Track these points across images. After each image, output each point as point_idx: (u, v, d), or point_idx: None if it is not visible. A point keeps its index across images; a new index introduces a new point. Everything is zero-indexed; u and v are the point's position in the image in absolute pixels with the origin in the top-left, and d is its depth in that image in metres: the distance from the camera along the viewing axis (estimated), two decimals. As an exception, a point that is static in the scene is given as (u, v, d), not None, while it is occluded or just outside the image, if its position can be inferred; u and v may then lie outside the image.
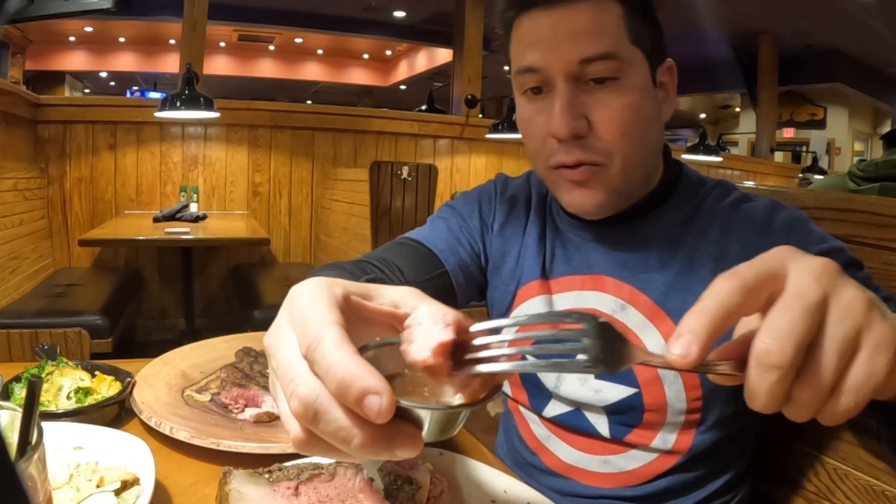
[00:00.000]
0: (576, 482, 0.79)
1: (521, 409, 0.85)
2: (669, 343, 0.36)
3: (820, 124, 9.42)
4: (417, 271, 0.81)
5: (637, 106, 0.69)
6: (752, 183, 4.73)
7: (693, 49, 7.92)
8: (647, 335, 0.73)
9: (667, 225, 0.76)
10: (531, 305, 0.80)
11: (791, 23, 7.01)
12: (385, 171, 2.82)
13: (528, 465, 0.83)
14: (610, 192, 0.72)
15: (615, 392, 0.74)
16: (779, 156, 8.83)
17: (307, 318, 0.36)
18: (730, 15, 6.67)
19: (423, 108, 4.86)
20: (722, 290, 0.37)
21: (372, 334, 0.41)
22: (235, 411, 0.76)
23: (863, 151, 9.67)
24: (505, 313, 0.85)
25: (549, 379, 0.79)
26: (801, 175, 6.13)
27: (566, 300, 0.78)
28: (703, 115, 11.86)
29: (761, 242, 0.67)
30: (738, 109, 10.76)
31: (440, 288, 0.83)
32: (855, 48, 7.82)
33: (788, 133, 9.65)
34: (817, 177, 5.87)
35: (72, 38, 10.17)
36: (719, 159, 5.40)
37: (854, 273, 0.65)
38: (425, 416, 0.34)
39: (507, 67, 0.80)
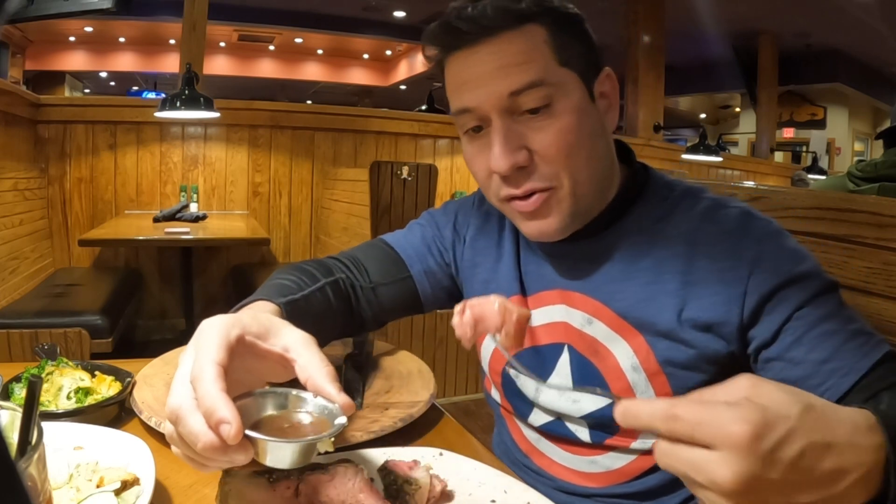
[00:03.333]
0: (567, 482, 0.79)
1: (511, 415, 0.86)
2: (615, 410, 0.43)
3: (820, 124, 9.42)
4: (383, 273, 0.86)
5: (575, 127, 0.68)
6: (752, 183, 4.73)
7: (693, 49, 7.92)
8: (615, 347, 0.73)
9: (631, 235, 0.74)
10: None
11: (791, 23, 7.02)
12: (385, 171, 2.82)
13: (523, 466, 0.84)
14: (565, 215, 0.70)
15: (591, 403, 0.75)
16: (779, 156, 8.83)
17: (200, 353, 0.48)
18: (730, 15, 6.67)
19: (423, 108, 4.86)
20: (658, 417, 0.41)
21: (265, 367, 0.53)
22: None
23: (863, 151, 9.67)
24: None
25: (529, 390, 0.80)
26: (797, 176, 5.81)
27: (541, 315, 0.79)
28: (703, 115, 11.86)
29: (730, 257, 0.67)
30: (738, 109, 10.77)
31: (404, 291, 0.87)
32: (855, 48, 7.83)
33: (788, 133, 9.65)
34: (814, 176, 5.86)
35: (72, 38, 10.17)
36: (719, 159, 5.40)
37: (827, 299, 0.65)
38: (262, 443, 0.46)
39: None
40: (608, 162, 0.74)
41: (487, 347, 0.85)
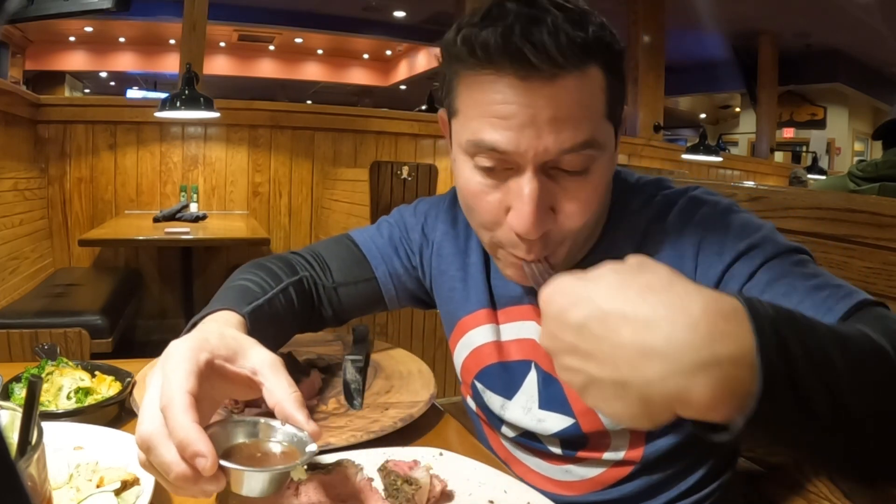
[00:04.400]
0: (543, 491, 0.78)
1: (486, 424, 0.86)
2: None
3: (820, 124, 9.42)
4: (346, 273, 0.84)
5: (604, 185, 0.64)
6: (752, 183, 4.73)
7: (693, 49, 7.92)
8: None
9: (603, 260, 0.70)
10: (479, 334, 0.79)
11: (791, 23, 7.02)
12: (385, 171, 2.82)
13: None
14: (553, 264, 0.65)
15: (555, 422, 0.74)
16: (779, 156, 8.83)
17: (168, 380, 0.47)
18: (730, 15, 6.67)
19: (423, 108, 4.86)
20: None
21: (229, 387, 0.52)
22: (235, 412, 0.75)
23: (863, 151, 9.66)
24: (450, 336, 0.85)
25: (495, 406, 0.79)
26: (794, 175, 5.69)
27: (511, 331, 0.77)
28: (703, 115, 11.86)
29: (675, 251, 0.65)
30: (738, 109, 10.76)
31: (367, 292, 0.85)
32: (855, 48, 7.82)
33: (788, 133, 9.65)
34: (814, 176, 5.85)
35: (72, 38, 10.17)
36: (719, 159, 5.40)
37: (782, 260, 0.60)
38: (236, 473, 0.46)
39: (442, 113, 0.70)
40: (608, 202, 0.70)
41: (459, 355, 0.83)
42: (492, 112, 0.59)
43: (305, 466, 0.48)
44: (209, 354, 0.50)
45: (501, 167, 0.61)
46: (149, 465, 0.47)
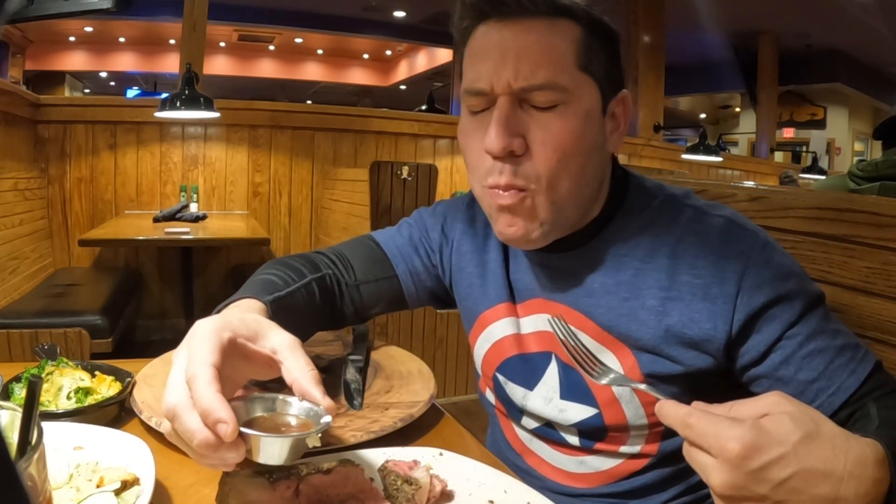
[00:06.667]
0: (555, 482, 0.80)
1: (504, 416, 0.86)
2: (657, 407, 0.50)
3: (820, 124, 9.42)
4: (368, 272, 0.87)
5: (578, 133, 0.66)
6: (752, 183, 4.73)
7: (693, 49, 7.91)
8: (603, 358, 0.71)
9: (610, 248, 0.72)
10: (499, 327, 0.81)
11: (791, 23, 7.01)
12: (385, 171, 2.82)
13: (513, 464, 0.84)
14: (537, 223, 0.68)
15: (577, 412, 0.75)
16: (779, 156, 8.83)
17: (193, 354, 0.50)
18: (730, 15, 6.66)
19: (423, 108, 4.86)
20: (677, 423, 0.48)
21: (251, 366, 0.55)
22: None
23: (863, 151, 9.66)
24: (470, 331, 0.87)
25: (517, 397, 0.80)
26: (784, 175, 5.53)
27: (529, 323, 0.79)
28: (703, 115, 11.86)
29: (716, 273, 0.66)
30: (738, 109, 10.76)
31: (387, 290, 0.88)
32: (855, 48, 7.82)
33: (788, 133, 9.65)
34: (814, 176, 5.85)
35: (72, 38, 10.16)
36: (719, 159, 5.40)
37: (814, 314, 0.65)
38: (255, 439, 0.48)
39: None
40: (597, 181, 0.72)
41: (480, 349, 0.84)
42: (476, 57, 0.68)
43: (320, 435, 0.50)
44: (232, 333, 0.53)
45: (485, 107, 0.68)
46: (174, 434, 0.50)
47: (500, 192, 0.67)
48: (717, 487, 0.45)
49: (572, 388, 0.75)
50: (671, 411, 0.48)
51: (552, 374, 0.77)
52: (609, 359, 0.72)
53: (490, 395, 0.87)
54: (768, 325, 0.65)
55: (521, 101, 0.66)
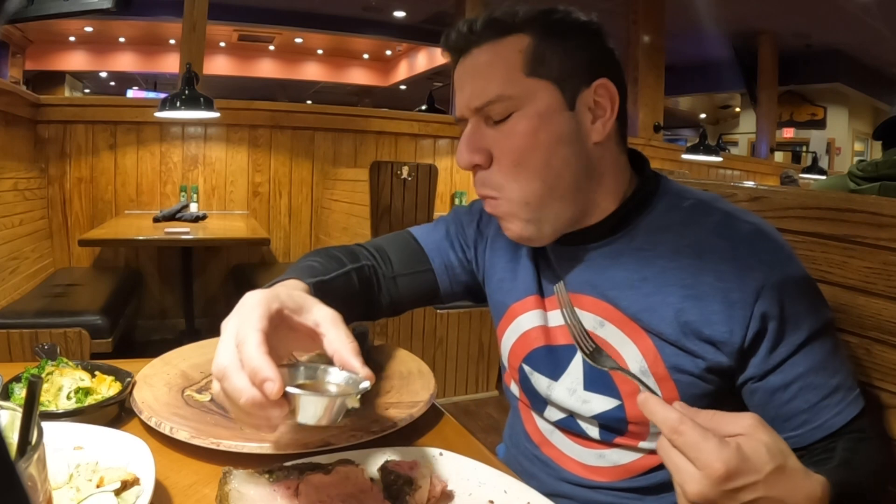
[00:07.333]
0: (573, 474, 0.81)
1: (527, 408, 0.88)
2: (640, 398, 0.54)
3: (820, 124, 9.42)
4: (405, 264, 0.91)
5: (532, 133, 0.70)
6: (752, 183, 4.72)
7: (693, 49, 7.92)
8: (625, 350, 0.73)
9: (637, 243, 0.75)
10: (527, 319, 0.83)
11: (791, 23, 7.01)
12: (385, 171, 2.82)
13: (531, 455, 0.86)
14: (521, 222, 0.73)
15: (600, 403, 0.76)
16: (779, 156, 8.83)
17: (243, 320, 0.54)
18: (730, 15, 6.67)
19: (423, 108, 4.86)
20: (667, 426, 0.51)
21: (295, 337, 0.60)
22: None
23: (863, 151, 9.66)
24: (498, 324, 0.89)
25: (541, 388, 0.82)
26: (785, 175, 5.49)
27: (556, 317, 0.81)
28: (703, 115, 11.86)
29: (737, 279, 0.67)
30: (738, 109, 10.76)
31: (423, 283, 0.93)
32: (855, 48, 7.83)
33: (788, 133, 9.65)
34: (814, 176, 5.85)
35: (72, 38, 10.17)
36: (719, 159, 5.40)
37: (822, 342, 0.67)
38: (298, 399, 0.51)
39: None
40: (580, 169, 0.73)
41: (508, 341, 0.86)
42: (454, 88, 0.76)
43: (359, 397, 0.53)
44: (279, 304, 0.58)
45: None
46: (222, 394, 0.53)
47: (484, 201, 0.75)
48: (691, 494, 0.50)
49: (596, 380, 0.76)
50: (660, 411, 0.52)
51: (577, 365, 0.78)
52: (631, 351, 0.73)
53: (515, 388, 0.89)
54: (776, 343, 0.67)
55: (486, 118, 0.72)
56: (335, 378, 0.57)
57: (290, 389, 0.50)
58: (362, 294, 0.86)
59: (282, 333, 0.58)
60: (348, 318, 0.84)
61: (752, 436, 0.51)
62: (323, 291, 0.73)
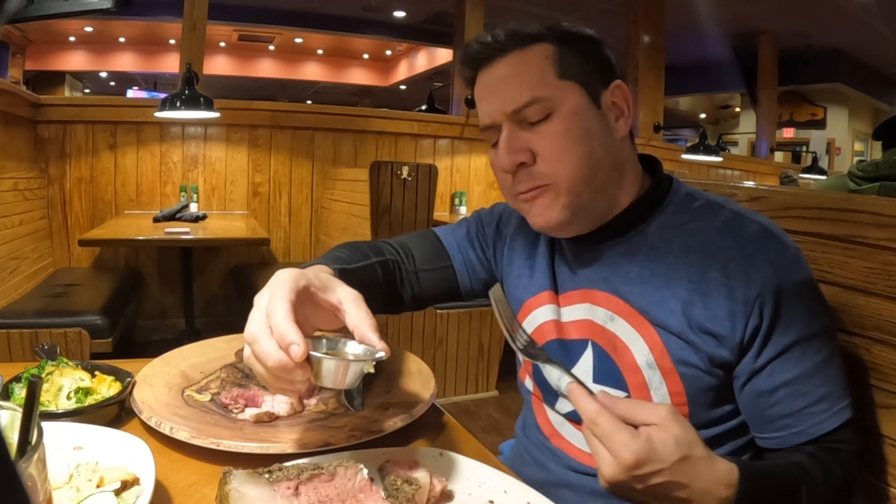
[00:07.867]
0: (581, 463, 0.82)
1: (539, 401, 0.90)
2: (568, 389, 0.63)
3: (820, 124, 9.41)
4: (427, 261, 0.96)
5: (570, 130, 0.75)
6: (752, 183, 4.71)
7: (693, 49, 7.92)
8: (633, 343, 0.76)
9: (649, 242, 0.78)
10: (541, 313, 0.86)
11: (791, 23, 7.01)
12: (385, 171, 2.81)
13: (541, 444, 0.88)
14: (561, 206, 0.76)
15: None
16: (779, 156, 8.82)
17: (274, 293, 0.60)
18: (730, 15, 6.66)
19: (423, 108, 4.86)
20: (587, 416, 0.60)
21: (319, 314, 0.65)
22: (235, 411, 0.76)
23: (863, 151, 9.66)
24: (515, 316, 0.91)
25: (552, 379, 0.84)
26: (784, 175, 5.44)
27: (569, 312, 0.84)
28: (703, 115, 11.86)
29: (742, 276, 0.70)
30: (738, 109, 10.76)
31: (444, 279, 0.97)
32: (855, 48, 7.82)
33: (788, 133, 9.64)
34: (814, 176, 5.84)
35: (72, 38, 10.16)
36: (719, 159, 5.40)
37: (817, 346, 0.69)
38: (319, 362, 0.57)
39: None
40: (610, 163, 0.78)
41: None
42: (478, 99, 0.81)
43: (374, 363, 0.59)
44: (307, 281, 0.63)
45: (497, 138, 0.79)
46: (252, 357, 0.58)
47: (524, 194, 0.78)
48: (606, 475, 0.58)
49: (605, 373, 0.79)
50: (582, 402, 0.60)
51: (587, 359, 0.81)
52: (638, 345, 0.75)
53: (528, 382, 0.91)
54: (765, 343, 0.69)
55: (520, 121, 0.76)
56: (355, 350, 0.62)
57: (313, 353, 0.56)
58: (385, 286, 0.90)
59: (307, 309, 0.63)
60: (372, 309, 0.86)
61: (664, 427, 0.58)
62: (348, 279, 0.75)
